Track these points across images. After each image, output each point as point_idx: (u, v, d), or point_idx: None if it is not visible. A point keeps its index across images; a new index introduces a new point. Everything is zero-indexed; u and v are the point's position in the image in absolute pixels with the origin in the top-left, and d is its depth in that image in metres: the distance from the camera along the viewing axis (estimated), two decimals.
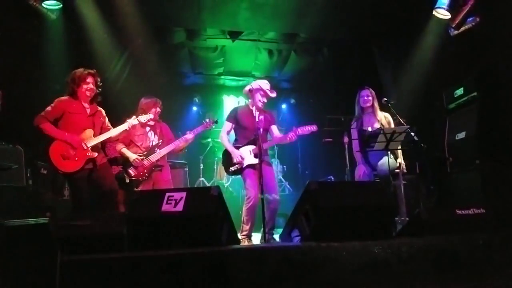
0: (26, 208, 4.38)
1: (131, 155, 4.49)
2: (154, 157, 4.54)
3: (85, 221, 2.57)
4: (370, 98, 4.73)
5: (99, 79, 4.14)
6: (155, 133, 4.73)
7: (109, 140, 4.30)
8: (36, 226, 2.01)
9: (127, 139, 4.61)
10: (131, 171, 4.48)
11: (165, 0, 5.97)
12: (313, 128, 4.37)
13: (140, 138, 4.65)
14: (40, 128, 3.87)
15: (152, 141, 4.68)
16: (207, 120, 4.79)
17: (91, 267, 2.15)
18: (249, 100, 4.59)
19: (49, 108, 3.93)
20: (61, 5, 5.15)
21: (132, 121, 4.25)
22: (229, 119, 4.54)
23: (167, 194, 2.61)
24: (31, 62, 5.37)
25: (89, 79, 4.03)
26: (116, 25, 6.04)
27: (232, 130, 4.58)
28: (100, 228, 2.56)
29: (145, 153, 4.56)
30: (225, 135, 4.49)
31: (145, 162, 4.50)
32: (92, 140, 3.99)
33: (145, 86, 7.32)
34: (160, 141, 4.68)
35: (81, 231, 2.53)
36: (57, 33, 5.60)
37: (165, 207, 2.54)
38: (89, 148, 3.95)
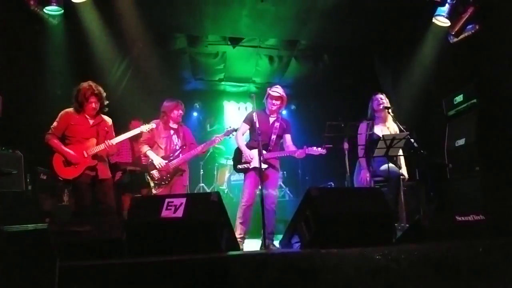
0: (25, 213, 4.37)
1: (156, 159, 4.56)
2: (178, 162, 4.62)
3: (84, 227, 2.56)
4: (384, 101, 4.73)
5: (104, 95, 4.24)
6: (178, 137, 4.80)
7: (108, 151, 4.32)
8: (35, 231, 2.01)
9: (152, 140, 4.69)
10: (154, 175, 4.56)
11: (167, 7, 6.00)
12: (323, 151, 4.44)
13: (165, 141, 4.72)
14: (49, 145, 4.07)
15: (176, 144, 4.75)
16: (230, 127, 4.89)
17: (90, 273, 2.14)
18: (266, 108, 4.70)
19: (55, 124, 4.11)
20: (63, 11, 5.17)
21: (135, 131, 4.40)
22: (245, 120, 4.68)
23: (167, 200, 2.60)
24: (32, 67, 5.39)
25: (92, 99, 4.14)
26: (117, 30, 6.06)
27: (248, 132, 4.72)
28: (99, 234, 2.55)
29: (170, 156, 4.63)
30: (240, 134, 4.67)
31: (169, 166, 4.58)
32: (93, 148, 4.11)
33: (146, 91, 7.35)
34: (184, 146, 4.75)
35: (81, 237, 2.53)
36: (58, 39, 5.62)
37: (165, 213, 2.54)
38: (89, 156, 4.07)
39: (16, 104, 4.92)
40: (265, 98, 4.69)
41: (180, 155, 4.66)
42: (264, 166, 4.34)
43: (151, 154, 4.60)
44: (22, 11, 4.99)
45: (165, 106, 4.78)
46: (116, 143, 4.24)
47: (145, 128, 4.45)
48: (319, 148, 4.44)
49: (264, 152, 4.38)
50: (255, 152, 4.44)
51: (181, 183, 4.70)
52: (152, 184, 4.62)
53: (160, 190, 4.58)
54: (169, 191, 4.57)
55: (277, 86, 4.69)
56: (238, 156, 4.62)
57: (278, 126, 4.57)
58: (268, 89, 4.66)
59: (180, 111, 4.80)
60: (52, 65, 5.65)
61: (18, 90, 5.05)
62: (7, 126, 4.71)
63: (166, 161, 4.57)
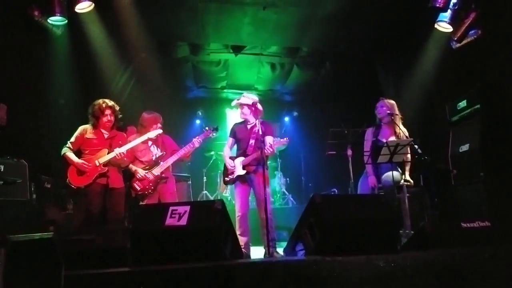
0: (30, 222, 4.38)
1: (136, 169, 4.52)
2: (158, 170, 4.56)
3: (89, 235, 2.57)
4: (384, 108, 4.71)
5: (117, 108, 4.49)
6: (157, 146, 4.74)
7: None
8: (40, 240, 2.01)
9: (131, 155, 4.61)
10: (137, 185, 4.50)
11: (169, 16, 6.05)
12: (285, 141, 4.72)
13: (143, 153, 4.67)
14: (64, 158, 4.29)
15: (155, 154, 4.68)
16: (207, 128, 4.87)
17: (95, 281, 2.14)
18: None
19: (72, 139, 4.34)
20: (66, 21, 5.20)
21: (142, 138, 4.45)
22: (230, 134, 4.82)
23: (171, 208, 2.61)
24: (36, 76, 5.42)
25: (108, 111, 4.39)
26: (120, 40, 6.10)
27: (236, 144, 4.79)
28: (104, 243, 2.56)
29: (147, 167, 4.58)
30: (227, 148, 4.80)
31: (150, 176, 4.52)
32: (104, 157, 4.25)
33: (149, 100, 7.38)
34: (163, 153, 4.69)
35: (85, 245, 2.53)
36: (62, 48, 5.65)
37: (169, 221, 2.54)
38: (101, 165, 4.23)
39: (20, 113, 4.95)
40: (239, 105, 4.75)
41: (161, 163, 4.61)
42: (243, 172, 4.47)
43: (131, 167, 4.56)
44: (27, 22, 5.03)
45: (144, 118, 4.70)
46: (126, 151, 4.35)
47: (152, 134, 4.48)
48: (282, 139, 4.71)
49: (242, 158, 4.52)
50: (236, 161, 4.57)
51: (168, 191, 4.64)
52: (133, 196, 4.58)
53: (146, 201, 4.50)
54: (158, 201, 4.53)
55: (244, 94, 4.77)
56: (224, 169, 4.74)
57: (256, 131, 4.51)
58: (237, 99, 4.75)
59: (159, 124, 4.71)
60: (56, 74, 5.68)
61: (22, 99, 5.08)
62: (12, 135, 4.74)
63: (146, 172, 4.52)
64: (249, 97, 4.69)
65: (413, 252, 2.66)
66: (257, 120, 4.48)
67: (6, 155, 4.48)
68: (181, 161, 4.86)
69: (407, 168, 4.65)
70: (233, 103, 4.79)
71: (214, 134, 4.87)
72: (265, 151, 4.37)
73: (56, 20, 5.15)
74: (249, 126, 4.66)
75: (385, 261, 2.39)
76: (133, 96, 7.22)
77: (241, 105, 4.66)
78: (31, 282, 1.83)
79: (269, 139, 4.58)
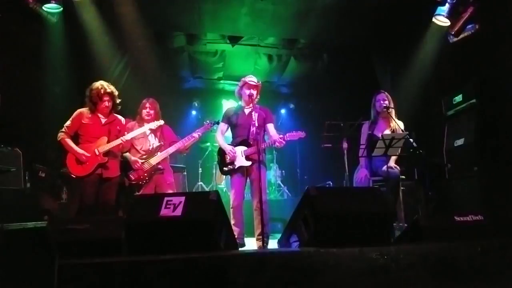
0: (24, 211, 4.37)
1: (132, 158, 4.49)
2: (154, 160, 4.53)
3: (83, 225, 2.56)
4: (387, 102, 4.73)
5: (116, 94, 4.34)
6: (155, 136, 4.69)
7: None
8: (34, 230, 2.01)
9: (128, 143, 4.58)
10: (131, 175, 4.47)
11: (166, 5, 5.99)
12: (302, 134, 4.32)
13: (140, 141, 4.62)
14: (61, 144, 4.15)
15: (153, 144, 4.64)
16: (208, 121, 4.80)
17: (89, 271, 2.14)
18: (242, 100, 4.57)
19: (68, 123, 4.20)
20: (62, 9, 5.16)
21: (143, 128, 4.42)
22: (222, 120, 4.60)
23: (166, 199, 2.60)
24: (31, 65, 5.38)
25: (106, 97, 4.23)
26: (116, 28, 6.05)
27: (229, 131, 4.60)
28: (98, 232, 2.55)
29: (144, 156, 4.54)
30: (219, 135, 4.56)
31: (145, 166, 4.49)
32: (104, 146, 4.14)
33: (144, 90, 7.33)
34: (161, 143, 4.65)
35: (80, 235, 2.52)
36: (57, 36, 5.61)
37: (164, 212, 2.53)
38: (101, 154, 4.11)
39: (15, 101, 4.91)
40: (239, 88, 4.53)
41: (158, 153, 4.58)
42: (248, 163, 4.27)
43: (127, 155, 4.51)
44: (21, 9, 4.98)
45: (139, 106, 4.73)
46: (130, 139, 4.30)
47: (153, 125, 4.44)
48: (299, 132, 4.30)
49: (244, 148, 4.30)
50: (238, 149, 4.34)
51: (164, 182, 4.58)
52: (127, 186, 4.57)
53: (142, 191, 4.48)
54: (154, 191, 4.50)
55: (251, 75, 4.53)
56: (222, 157, 4.46)
57: (256, 117, 4.27)
58: (243, 78, 4.49)
59: (148, 110, 4.66)
60: (51, 62, 5.64)
61: (17, 88, 5.04)
62: (6, 124, 4.71)
63: (142, 161, 4.48)
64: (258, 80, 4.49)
65: (407, 244, 2.68)
66: (256, 106, 4.33)
67: (0, 144, 4.46)
68: (179, 153, 4.83)
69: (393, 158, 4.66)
70: (250, 81, 4.40)
71: (214, 127, 4.79)
72: (277, 144, 4.22)
73: (51, 8, 5.11)
74: (247, 111, 4.42)
75: (378, 254, 2.40)
76: (129, 86, 7.17)
77: (254, 86, 4.40)
78: (24, 272, 1.83)
79: (271, 128, 4.43)
